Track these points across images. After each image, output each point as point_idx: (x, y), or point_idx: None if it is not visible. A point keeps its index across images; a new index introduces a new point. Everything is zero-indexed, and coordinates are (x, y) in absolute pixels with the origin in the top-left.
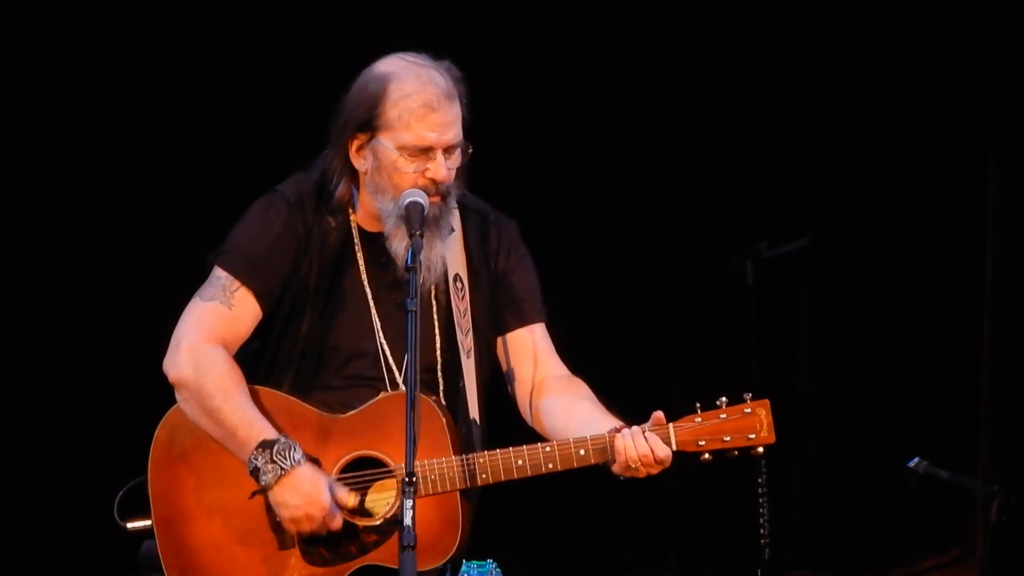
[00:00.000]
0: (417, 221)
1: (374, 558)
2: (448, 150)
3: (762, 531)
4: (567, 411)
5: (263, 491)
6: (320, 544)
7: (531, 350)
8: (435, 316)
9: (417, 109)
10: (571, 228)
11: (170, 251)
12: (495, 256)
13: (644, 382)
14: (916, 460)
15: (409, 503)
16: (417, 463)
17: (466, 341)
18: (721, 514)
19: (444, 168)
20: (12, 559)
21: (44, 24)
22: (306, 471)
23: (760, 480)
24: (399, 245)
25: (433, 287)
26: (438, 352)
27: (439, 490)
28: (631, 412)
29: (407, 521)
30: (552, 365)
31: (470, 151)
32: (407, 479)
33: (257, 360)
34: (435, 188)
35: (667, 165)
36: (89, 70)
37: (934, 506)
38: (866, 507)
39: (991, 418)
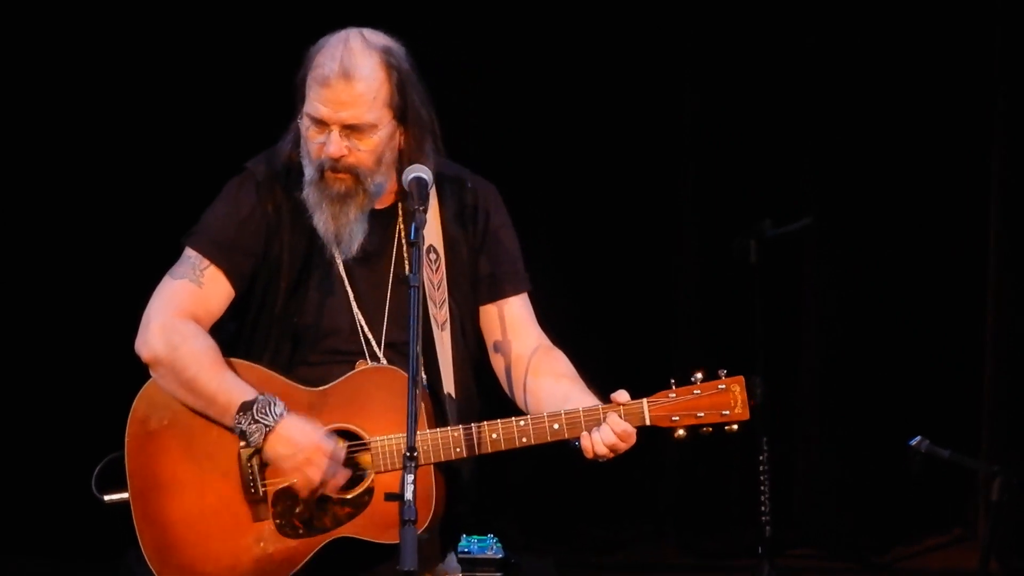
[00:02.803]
0: (419, 196)
1: (347, 530)
2: (352, 129)
3: (763, 509)
4: (548, 392)
5: (257, 452)
6: (294, 516)
7: (508, 323)
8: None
9: (316, 81)
10: (573, 212)
11: (146, 229)
12: (472, 223)
13: (647, 362)
14: (918, 439)
15: (410, 478)
16: (390, 437)
17: (439, 314)
18: (721, 491)
19: (336, 145)
20: (6, 537)
21: (30, 14)
22: (292, 421)
23: (761, 458)
24: (319, 218)
25: (406, 260)
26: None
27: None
28: (634, 391)
29: (407, 496)
30: (531, 338)
31: (401, 134)
32: (408, 453)
33: (235, 341)
34: (331, 163)
35: (670, 147)
36: (63, 58)
37: (936, 485)
38: (869, 486)
39: (994, 397)
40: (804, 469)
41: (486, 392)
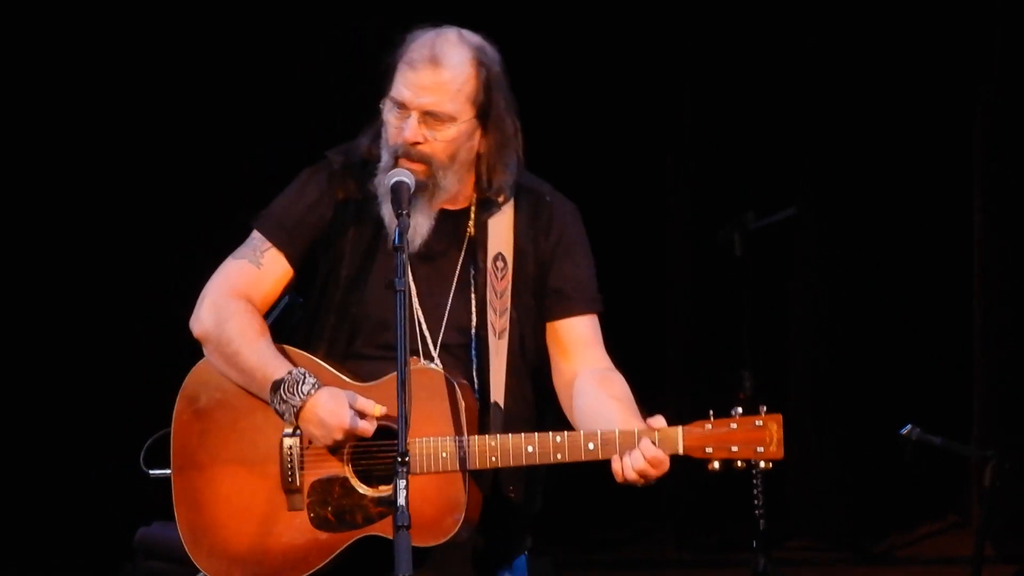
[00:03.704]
0: (404, 200)
1: (378, 529)
2: (431, 117)
3: (756, 502)
4: (595, 412)
5: (297, 433)
6: (327, 509)
7: (570, 342)
8: (472, 294)
9: (404, 63)
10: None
11: (205, 213)
12: (544, 237)
13: (641, 357)
14: (908, 427)
15: (402, 483)
16: (427, 439)
17: (499, 322)
18: (717, 485)
19: (412, 130)
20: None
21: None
22: (319, 398)
23: None
24: (386, 208)
25: (472, 266)
26: (472, 330)
27: (448, 468)
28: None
29: (400, 501)
30: (591, 360)
31: (481, 136)
32: (399, 459)
33: (298, 330)
34: (405, 149)
35: (668, 146)
36: (91, 61)
37: (929, 473)
38: (862, 476)
39: (984, 383)
40: (797, 461)
41: (548, 406)
